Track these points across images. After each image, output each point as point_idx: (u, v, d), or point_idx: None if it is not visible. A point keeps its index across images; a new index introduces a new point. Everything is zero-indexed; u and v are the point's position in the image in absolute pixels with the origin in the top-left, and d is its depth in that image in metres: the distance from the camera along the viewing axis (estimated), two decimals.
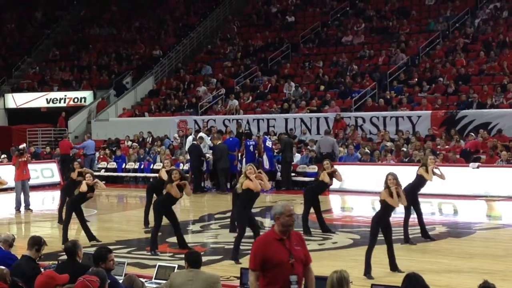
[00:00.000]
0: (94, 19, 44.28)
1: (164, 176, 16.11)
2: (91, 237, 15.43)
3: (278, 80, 33.00)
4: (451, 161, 22.61)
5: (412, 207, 14.48)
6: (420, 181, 14.78)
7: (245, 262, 12.48)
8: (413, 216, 14.58)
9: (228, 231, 16.15)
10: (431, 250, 13.61)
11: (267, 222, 18.27)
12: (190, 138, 26.73)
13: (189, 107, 32.92)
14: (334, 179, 16.17)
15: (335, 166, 23.72)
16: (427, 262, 12.63)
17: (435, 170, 14.89)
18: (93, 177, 15.70)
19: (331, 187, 23.72)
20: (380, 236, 11.97)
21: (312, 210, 15.91)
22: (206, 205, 21.94)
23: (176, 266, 9.82)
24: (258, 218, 17.51)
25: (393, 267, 11.88)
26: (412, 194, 14.40)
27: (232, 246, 13.45)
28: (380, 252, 13.46)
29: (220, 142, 24.98)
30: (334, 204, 22.56)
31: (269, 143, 25.15)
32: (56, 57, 41.86)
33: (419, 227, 14.72)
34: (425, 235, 14.67)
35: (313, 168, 24.74)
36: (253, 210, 16.31)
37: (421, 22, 34.23)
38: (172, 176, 14.32)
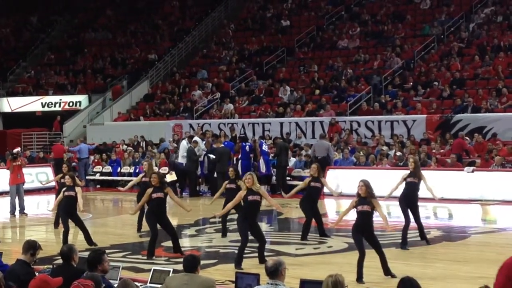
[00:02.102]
0: (89, 24, 44.28)
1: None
2: (89, 241, 15.33)
3: (273, 84, 33.02)
4: (447, 165, 22.65)
5: (410, 212, 14.46)
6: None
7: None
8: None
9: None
10: (426, 254, 13.62)
11: (263, 226, 18.25)
12: (184, 142, 26.67)
13: (184, 111, 32.92)
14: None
15: (331, 171, 24.00)
16: (422, 266, 12.64)
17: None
18: (72, 178, 15.41)
19: (325, 190, 23.87)
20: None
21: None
22: (201, 209, 21.90)
23: (171, 270, 9.79)
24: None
25: (387, 272, 11.81)
26: (405, 201, 14.45)
27: (228, 250, 13.40)
28: (375, 257, 13.47)
29: (221, 145, 24.94)
30: (329, 208, 22.55)
31: (265, 147, 25.17)
32: (51, 61, 41.83)
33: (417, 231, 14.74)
34: (423, 237, 14.69)
35: (308, 173, 24.77)
36: None
37: (416, 26, 34.28)
38: (151, 180, 14.11)
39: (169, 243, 15.08)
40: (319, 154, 24.15)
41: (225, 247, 14.83)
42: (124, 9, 44.72)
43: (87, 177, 29.26)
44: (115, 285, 8.50)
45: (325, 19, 36.84)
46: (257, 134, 28.37)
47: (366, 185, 11.67)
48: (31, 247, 9.14)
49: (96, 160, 29.76)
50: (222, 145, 24.98)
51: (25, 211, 21.08)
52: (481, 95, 26.96)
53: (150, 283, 9.94)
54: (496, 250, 14.59)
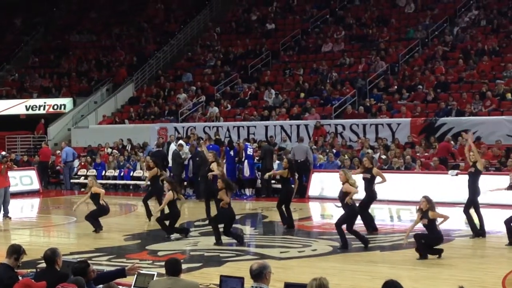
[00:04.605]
0: (73, 26, 44.15)
1: None
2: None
3: (258, 88, 33.04)
4: (431, 168, 22.73)
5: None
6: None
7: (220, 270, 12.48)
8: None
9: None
10: (410, 257, 13.65)
11: (248, 230, 18.28)
12: (172, 145, 26.62)
13: (169, 114, 32.87)
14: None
15: (315, 174, 24.04)
16: (406, 269, 12.68)
17: None
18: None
19: (310, 194, 23.93)
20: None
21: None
22: (186, 212, 21.87)
23: (155, 273, 9.77)
24: (238, 226, 17.51)
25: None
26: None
27: (213, 254, 13.41)
28: (360, 260, 13.54)
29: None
30: (314, 211, 22.60)
31: (250, 151, 25.12)
32: (35, 64, 41.68)
33: (403, 234, 14.82)
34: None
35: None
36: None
37: (401, 30, 34.39)
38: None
39: (153, 247, 15.13)
40: (298, 158, 23.99)
41: (209, 250, 14.82)
42: (108, 11, 44.62)
43: (71, 181, 29.21)
44: None
45: (310, 23, 36.90)
46: (242, 137, 28.35)
47: (427, 200, 13.42)
48: (15, 251, 9.08)
49: (82, 163, 29.64)
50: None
51: (9, 215, 20.95)
52: (465, 99, 27.06)
53: (134, 286, 9.91)
54: (479, 253, 14.68)
